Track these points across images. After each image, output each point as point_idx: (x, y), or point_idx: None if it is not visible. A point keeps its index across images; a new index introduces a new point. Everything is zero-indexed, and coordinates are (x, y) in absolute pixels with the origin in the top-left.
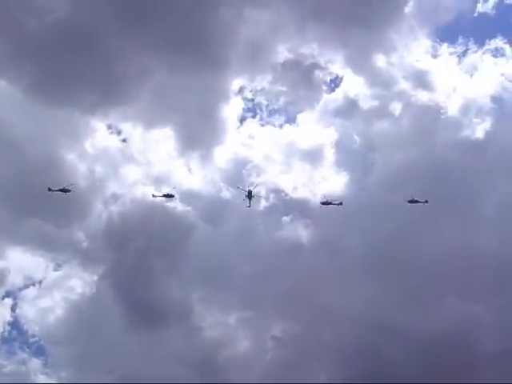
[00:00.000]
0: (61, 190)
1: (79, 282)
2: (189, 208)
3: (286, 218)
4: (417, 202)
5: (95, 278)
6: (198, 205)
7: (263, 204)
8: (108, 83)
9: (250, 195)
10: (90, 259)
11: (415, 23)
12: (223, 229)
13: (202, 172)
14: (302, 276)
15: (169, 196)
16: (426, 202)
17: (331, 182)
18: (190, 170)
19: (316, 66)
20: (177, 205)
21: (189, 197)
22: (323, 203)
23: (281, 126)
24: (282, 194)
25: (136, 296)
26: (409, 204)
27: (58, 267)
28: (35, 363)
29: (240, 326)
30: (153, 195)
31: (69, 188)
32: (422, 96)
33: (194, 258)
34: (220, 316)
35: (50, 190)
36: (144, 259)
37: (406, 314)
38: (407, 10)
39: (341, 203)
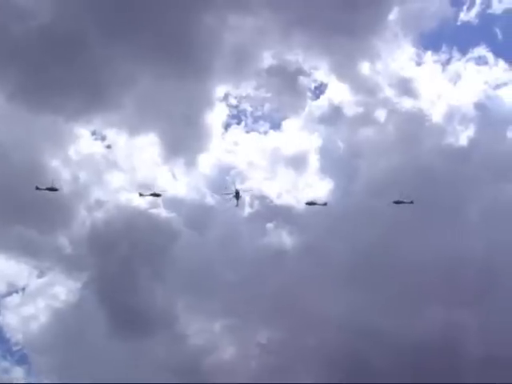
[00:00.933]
0: (48, 189)
1: (63, 290)
2: (173, 214)
3: (270, 225)
4: (402, 202)
5: (79, 285)
6: (182, 211)
7: (247, 210)
8: (92, 89)
9: (237, 195)
10: (74, 266)
11: (399, 31)
12: (208, 235)
13: (187, 178)
14: (287, 282)
15: (155, 195)
16: (412, 202)
17: (316, 188)
18: (174, 176)
19: (301, 72)
20: (161, 211)
21: (173, 203)
22: (308, 203)
23: (265, 133)
24: (267, 201)
25: (120, 303)
26: (394, 205)
27: (41, 274)
28: (18, 372)
29: (225, 333)
30: (140, 194)
31: (55, 187)
32: (407, 103)
33: (178, 264)
34: (205, 323)
35: (37, 188)
36: (128, 266)
37: (391, 320)
38: (391, 17)
39: (325, 204)
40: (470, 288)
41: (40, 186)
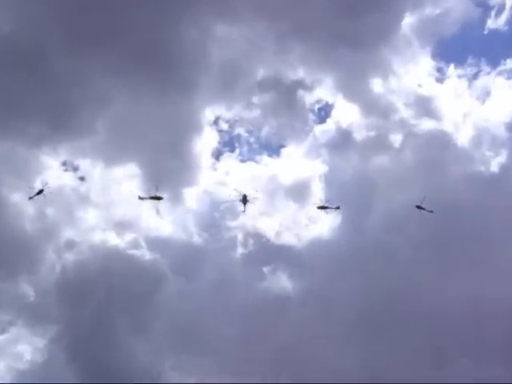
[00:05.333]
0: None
1: (27, 348)
2: (157, 256)
3: (268, 268)
4: (423, 209)
5: (46, 341)
6: (167, 253)
7: (241, 251)
8: (58, 111)
9: (244, 200)
10: (41, 319)
11: (415, 40)
12: (197, 281)
13: (172, 216)
14: (290, 335)
15: (157, 198)
16: (432, 211)
17: (321, 224)
18: (158, 212)
19: (302, 91)
20: (143, 253)
21: (157, 244)
22: (320, 207)
23: (262, 162)
24: (263, 240)
25: (95, 362)
26: (416, 210)
27: (2, 330)
28: None
29: None
30: (139, 197)
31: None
32: (427, 125)
33: (163, 315)
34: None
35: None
36: (105, 318)
37: (411, 378)
38: (405, 24)
39: (338, 207)
40: (503, 339)
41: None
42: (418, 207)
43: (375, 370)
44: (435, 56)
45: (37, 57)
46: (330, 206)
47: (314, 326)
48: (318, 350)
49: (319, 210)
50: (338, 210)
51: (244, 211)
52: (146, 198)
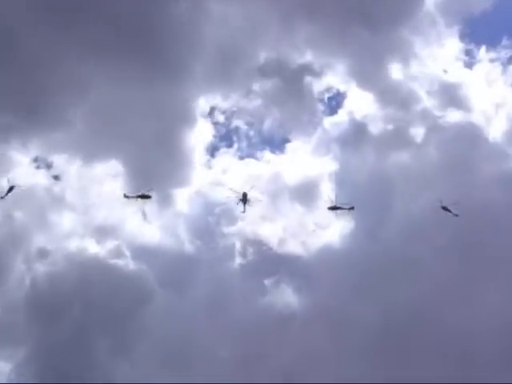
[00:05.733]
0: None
1: None
2: (143, 267)
3: (270, 280)
4: (449, 211)
5: (11, 365)
6: (155, 263)
7: (239, 261)
8: (28, 100)
9: (244, 199)
10: (8, 340)
11: (440, 20)
12: (188, 296)
13: (161, 220)
14: (295, 360)
15: (145, 197)
16: (457, 215)
17: (330, 230)
18: (145, 217)
19: (310, 78)
20: (127, 263)
21: (143, 252)
22: (331, 208)
23: (263, 158)
24: (265, 248)
25: None
26: (442, 212)
27: None
28: None
29: None
30: (125, 195)
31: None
32: (453, 117)
33: (149, 336)
34: None
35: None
36: (82, 338)
37: None
38: (428, 1)
39: (352, 208)
40: None
41: None
42: (444, 208)
43: None
44: (464, 37)
45: (5, 40)
46: (342, 206)
47: (322, 349)
48: (327, 377)
49: (330, 212)
50: (351, 212)
51: (244, 212)
52: (132, 197)
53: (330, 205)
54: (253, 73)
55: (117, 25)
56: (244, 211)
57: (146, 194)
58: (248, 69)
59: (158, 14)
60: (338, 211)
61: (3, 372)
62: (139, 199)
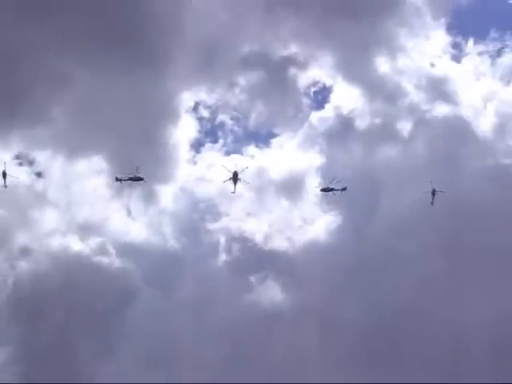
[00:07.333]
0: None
1: None
2: (128, 265)
3: (255, 277)
4: (433, 196)
5: None
6: (140, 261)
7: (223, 258)
8: (8, 95)
9: (235, 178)
10: None
11: (427, 11)
12: (173, 294)
13: (146, 217)
14: (281, 357)
15: (137, 179)
16: (431, 204)
17: (317, 225)
18: (129, 214)
19: (295, 70)
20: (112, 261)
21: (128, 250)
22: (324, 190)
23: (248, 153)
24: (250, 244)
25: None
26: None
27: None
28: None
29: None
30: (117, 179)
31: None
32: (441, 111)
33: (135, 334)
34: None
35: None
36: (66, 338)
37: None
38: None
39: (345, 188)
40: None
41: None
42: (433, 192)
43: None
44: (451, 29)
45: None
46: (335, 187)
47: (309, 346)
48: (314, 372)
49: (323, 193)
50: (340, 212)
51: (234, 192)
52: (124, 180)
53: (322, 187)
54: (236, 65)
55: (99, 19)
56: (234, 191)
57: (138, 175)
58: (231, 61)
59: (141, 8)
60: (332, 192)
61: None
62: (131, 182)
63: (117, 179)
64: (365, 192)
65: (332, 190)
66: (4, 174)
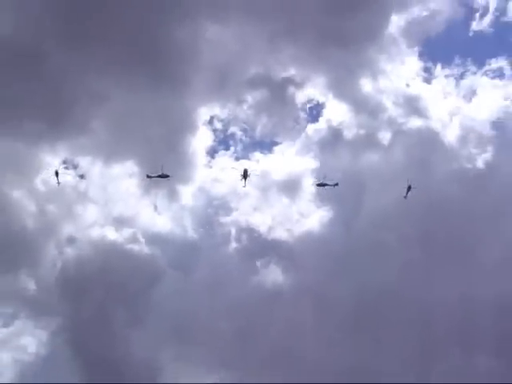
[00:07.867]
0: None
1: (31, 340)
2: (155, 251)
3: (260, 262)
4: (408, 191)
5: (48, 334)
6: (165, 248)
7: (233, 246)
8: (57, 110)
9: (245, 174)
10: (43, 312)
11: (403, 41)
12: (193, 276)
13: (170, 212)
14: (284, 330)
15: (164, 176)
16: (405, 197)
17: (312, 219)
18: (156, 209)
19: (294, 91)
20: (142, 248)
21: (155, 240)
22: (318, 185)
23: (254, 159)
24: (255, 235)
25: (96, 354)
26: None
27: (5, 323)
28: None
29: None
30: (147, 176)
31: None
32: (414, 123)
33: (161, 309)
34: (194, 377)
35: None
36: (104, 311)
37: (404, 372)
38: (392, 25)
39: (337, 184)
40: (488, 333)
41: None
42: (408, 188)
43: (369, 365)
44: (422, 56)
45: (35, 55)
46: (328, 183)
47: (305, 320)
48: (310, 344)
49: (318, 188)
50: (332, 207)
51: (245, 186)
52: (154, 177)
53: (317, 182)
54: (244, 85)
55: (132, 47)
56: (245, 186)
57: (165, 174)
58: (240, 82)
59: (165, 37)
60: (326, 187)
61: (41, 340)
62: (160, 178)
63: (147, 176)
64: (352, 191)
65: (326, 185)
66: (57, 173)
